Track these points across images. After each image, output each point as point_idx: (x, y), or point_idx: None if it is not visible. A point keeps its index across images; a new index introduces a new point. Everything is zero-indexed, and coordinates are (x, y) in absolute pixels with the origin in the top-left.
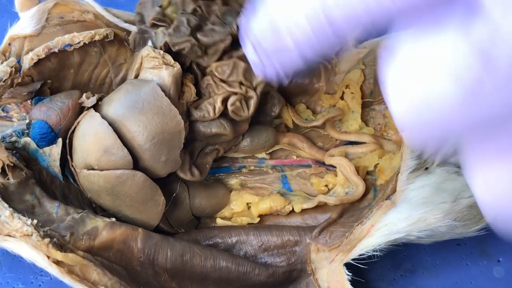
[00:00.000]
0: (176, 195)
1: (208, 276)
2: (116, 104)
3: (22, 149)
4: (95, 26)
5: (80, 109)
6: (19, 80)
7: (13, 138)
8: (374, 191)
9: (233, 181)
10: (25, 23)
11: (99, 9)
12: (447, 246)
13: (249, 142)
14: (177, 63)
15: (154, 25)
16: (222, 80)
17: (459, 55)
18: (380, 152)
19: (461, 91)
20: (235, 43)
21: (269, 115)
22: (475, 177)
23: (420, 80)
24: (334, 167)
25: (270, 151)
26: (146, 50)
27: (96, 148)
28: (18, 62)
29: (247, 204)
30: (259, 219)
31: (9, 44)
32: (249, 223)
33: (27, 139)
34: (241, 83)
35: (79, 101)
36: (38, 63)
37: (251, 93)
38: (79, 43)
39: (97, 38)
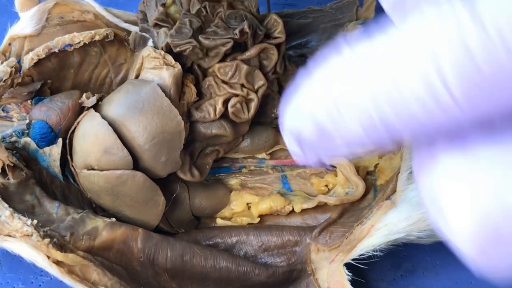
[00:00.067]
0: (176, 195)
1: (208, 276)
2: (116, 104)
3: (22, 149)
4: (95, 26)
5: (80, 109)
6: (19, 80)
7: (13, 138)
8: (374, 191)
9: (233, 181)
10: (25, 23)
11: (99, 9)
12: (447, 246)
13: (249, 143)
14: (178, 64)
15: (156, 25)
16: (223, 81)
17: None
18: (380, 152)
19: None
20: (238, 47)
21: (269, 117)
22: None
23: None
24: (334, 167)
25: (270, 151)
26: (147, 50)
27: (96, 148)
28: (18, 62)
29: (247, 204)
30: (259, 219)
31: (9, 44)
32: (249, 223)
33: (27, 139)
34: (242, 85)
35: (79, 101)
36: (38, 63)
37: (252, 95)
38: (79, 43)
39: (97, 38)
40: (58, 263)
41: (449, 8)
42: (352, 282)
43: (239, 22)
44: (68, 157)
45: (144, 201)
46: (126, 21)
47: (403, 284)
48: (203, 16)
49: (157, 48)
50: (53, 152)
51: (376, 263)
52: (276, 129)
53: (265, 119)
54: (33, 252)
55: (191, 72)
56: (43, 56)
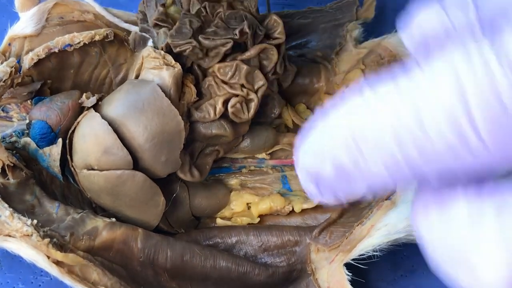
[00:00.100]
0: (176, 196)
1: (208, 276)
2: (116, 104)
3: (22, 149)
4: (95, 26)
5: (80, 109)
6: (19, 80)
7: (13, 138)
8: None
9: (233, 181)
10: (25, 23)
11: (99, 9)
12: None
13: (249, 143)
14: (178, 64)
15: (156, 25)
16: (223, 81)
17: None
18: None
19: None
20: (238, 47)
21: (269, 117)
22: None
23: None
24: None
25: (270, 151)
26: (147, 51)
27: (96, 148)
28: (18, 62)
29: (247, 204)
30: (259, 219)
31: (9, 44)
32: (249, 223)
33: (27, 139)
34: (242, 86)
35: (79, 101)
36: (38, 63)
37: (252, 95)
38: (79, 43)
39: (97, 38)
40: (58, 263)
41: (476, 48)
42: (352, 282)
43: (239, 22)
44: (68, 157)
45: (144, 201)
46: (126, 21)
47: (403, 284)
48: (203, 16)
49: (157, 48)
50: (53, 152)
51: (376, 263)
52: (276, 129)
53: (265, 119)
54: (33, 252)
55: (191, 72)
56: (43, 56)
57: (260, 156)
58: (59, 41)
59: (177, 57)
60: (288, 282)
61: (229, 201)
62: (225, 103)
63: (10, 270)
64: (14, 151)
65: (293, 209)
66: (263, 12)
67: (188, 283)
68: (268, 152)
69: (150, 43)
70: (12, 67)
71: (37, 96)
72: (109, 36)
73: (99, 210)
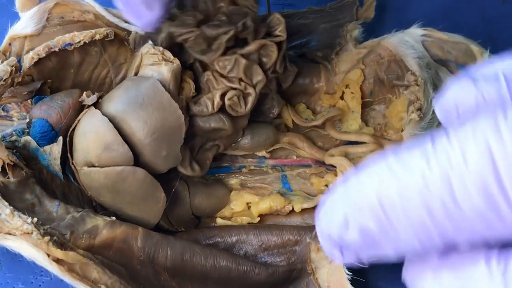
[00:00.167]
0: (177, 194)
1: (208, 276)
2: (117, 101)
3: (23, 148)
4: (95, 26)
5: (81, 108)
6: (20, 79)
7: (14, 137)
8: None
9: (233, 181)
10: (26, 23)
11: (99, 9)
12: None
13: (249, 140)
14: (177, 59)
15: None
16: (222, 75)
17: None
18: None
19: None
20: (239, 42)
21: (268, 117)
22: None
23: None
24: (334, 167)
25: (271, 149)
26: (146, 48)
27: (96, 145)
28: (19, 61)
29: (247, 203)
30: (259, 218)
31: (10, 44)
32: (249, 223)
33: (27, 138)
34: (241, 80)
35: (80, 100)
36: (39, 62)
37: (250, 90)
38: (79, 42)
39: (97, 37)
40: (58, 261)
41: (505, 120)
42: (352, 281)
43: (242, 18)
44: (69, 155)
45: (144, 197)
46: (126, 21)
47: (403, 284)
48: (204, 10)
49: (158, 44)
50: (54, 151)
51: (376, 263)
52: (276, 128)
53: (264, 119)
54: (33, 250)
55: (192, 69)
56: (43, 55)
57: (260, 154)
58: (59, 41)
59: (180, 53)
60: (288, 281)
61: (229, 200)
62: (223, 96)
63: (10, 270)
64: (15, 150)
65: (293, 208)
66: (262, 12)
67: (188, 282)
68: (268, 150)
69: (150, 41)
70: (12, 66)
71: (38, 95)
72: (110, 36)
73: (99, 209)
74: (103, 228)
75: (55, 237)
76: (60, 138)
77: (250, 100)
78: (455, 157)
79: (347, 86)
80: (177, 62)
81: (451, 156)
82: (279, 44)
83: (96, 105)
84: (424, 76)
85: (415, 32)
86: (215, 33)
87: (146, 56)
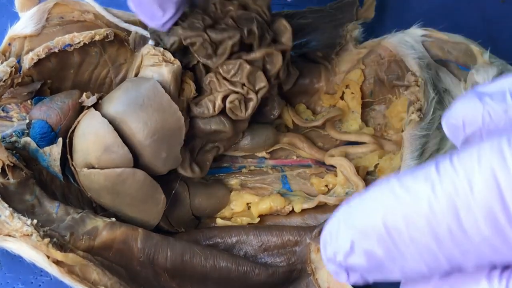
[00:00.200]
0: (177, 195)
1: (208, 276)
2: (116, 102)
3: (22, 149)
4: (95, 26)
5: (80, 109)
6: (19, 80)
7: (13, 138)
8: None
9: (233, 181)
10: (25, 23)
11: (99, 9)
12: None
13: (249, 141)
14: (177, 60)
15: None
16: (225, 78)
17: None
18: (380, 152)
19: None
20: (245, 47)
21: (269, 118)
22: None
23: None
24: (334, 167)
25: (271, 150)
26: (146, 48)
27: (96, 146)
28: (18, 62)
29: (247, 204)
30: (259, 219)
31: (9, 44)
32: (249, 223)
33: (27, 139)
34: (243, 85)
35: (79, 101)
36: (38, 63)
37: (252, 95)
38: (79, 43)
39: (97, 38)
40: (58, 262)
41: (510, 148)
42: None
43: (249, 23)
44: (68, 156)
45: (144, 199)
46: (126, 21)
47: None
48: (213, 13)
49: (168, 45)
50: (53, 152)
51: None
52: (276, 129)
53: (265, 120)
54: (33, 252)
55: (195, 71)
56: (43, 56)
57: (260, 155)
58: (59, 41)
59: (184, 55)
60: (288, 282)
61: (229, 201)
62: (225, 99)
63: (10, 270)
64: (14, 151)
65: (293, 209)
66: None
67: (188, 283)
68: (268, 151)
69: (150, 42)
70: (12, 67)
71: (37, 96)
72: (109, 36)
73: (99, 210)
74: (103, 229)
75: (55, 239)
76: (60, 139)
77: (251, 105)
78: (461, 184)
79: (347, 86)
80: (177, 63)
81: (456, 183)
82: (283, 52)
83: (96, 106)
84: (425, 77)
85: (415, 32)
86: (221, 37)
87: (147, 57)
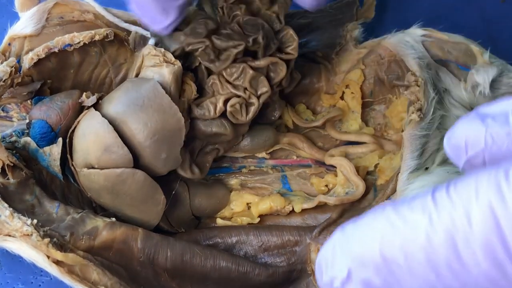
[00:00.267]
0: (176, 195)
1: (208, 276)
2: (117, 102)
3: (22, 149)
4: (95, 26)
5: (80, 109)
6: (19, 80)
7: (13, 138)
8: (374, 191)
9: (233, 181)
10: (25, 23)
11: (99, 9)
12: None
13: (249, 142)
14: (178, 61)
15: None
16: (228, 81)
17: None
18: (380, 152)
19: None
20: (249, 53)
21: (269, 119)
22: None
23: None
24: (334, 167)
25: (270, 150)
26: (147, 49)
27: (96, 146)
28: (18, 62)
29: (247, 204)
30: (259, 219)
31: (9, 44)
32: (249, 223)
33: (27, 139)
34: (246, 89)
35: (79, 101)
36: (38, 63)
37: (254, 100)
38: (79, 43)
39: (97, 38)
40: (58, 262)
41: (507, 181)
42: None
43: (255, 31)
44: (68, 156)
45: (144, 199)
46: (126, 21)
47: None
48: (220, 16)
49: (170, 50)
50: (53, 152)
51: None
52: (277, 129)
53: (265, 121)
54: (33, 251)
55: (197, 72)
56: (43, 56)
57: (260, 155)
58: (59, 41)
59: (186, 56)
60: (288, 282)
61: (229, 201)
62: (226, 102)
63: (10, 270)
64: (14, 151)
65: (293, 209)
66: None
67: (188, 283)
68: (268, 152)
69: (150, 42)
70: (12, 67)
71: (37, 96)
72: (109, 36)
73: (99, 209)
74: (103, 229)
75: (55, 239)
76: (60, 139)
77: (252, 109)
78: (459, 217)
79: (347, 86)
80: (178, 64)
81: (454, 215)
82: (288, 61)
83: (96, 106)
84: (425, 77)
85: (415, 32)
86: (225, 45)
87: (147, 57)
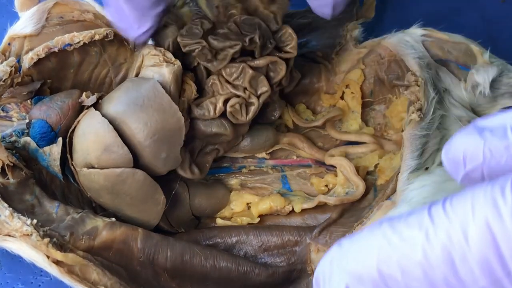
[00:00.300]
0: (176, 195)
1: (208, 276)
2: (117, 102)
3: (22, 148)
4: (95, 26)
5: (80, 108)
6: (19, 79)
7: (13, 138)
8: (374, 191)
9: (233, 181)
10: (25, 22)
11: (99, 9)
12: None
13: (249, 142)
14: (178, 61)
15: (165, 26)
16: (227, 81)
17: None
18: (380, 152)
19: None
20: (247, 53)
21: (269, 119)
22: None
23: None
24: (334, 167)
25: (270, 150)
26: (147, 49)
27: (96, 146)
28: (18, 61)
29: (247, 204)
30: (259, 219)
31: (9, 44)
32: (249, 223)
33: (27, 139)
34: (245, 89)
35: (79, 100)
36: (38, 62)
37: (254, 99)
38: (79, 42)
39: (97, 37)
40: (57, 262)
41: (504, 198)
42: None
43: (252, 30)
44: (68, 156)
45: (144, 199)
46: None
47: None
48: (216, 16)
49: (162, 47)
50: (53, 151)
51: None
52: (277, 129)
53: (265, 121)
54: (32, 251)
55: (196, 72)
56: (43, 55)
57: (260, 155)
58: (59, 41)
59: (184, 56)
60: (288, 282)
61: (229, 201)
62: (226, 102)
63: (10, 270)
64: (14, 151)
65: (293, 209)
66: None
67: (188, 283)
68: (268, 152)
69: (150, 42)
70: (12, 67)
71: (37, 96)
72: (109, 36)
73: (99, 209)
74: (102, 229)
75: (54, 239)
76: (60, 139)
77: (252, 109)
78: (455, 234)
79: (347, 86)
80: (178, 63)
81: (451, 232)
82: (287, 60)
83: (96, 106)
84: (425, 76)
85: (415, 32)
86: (222, 46)
87: (147, 57)
